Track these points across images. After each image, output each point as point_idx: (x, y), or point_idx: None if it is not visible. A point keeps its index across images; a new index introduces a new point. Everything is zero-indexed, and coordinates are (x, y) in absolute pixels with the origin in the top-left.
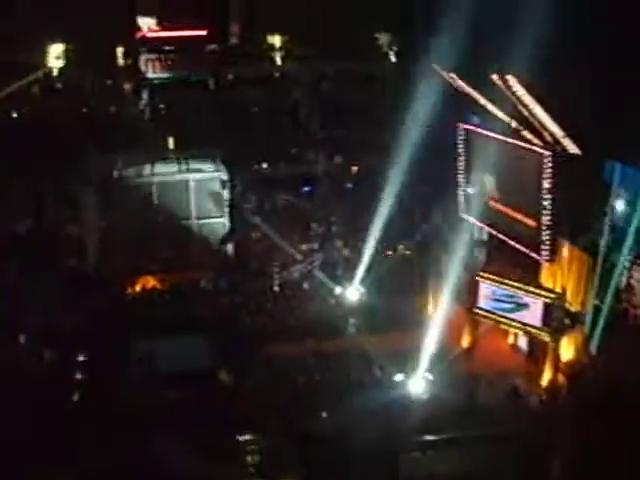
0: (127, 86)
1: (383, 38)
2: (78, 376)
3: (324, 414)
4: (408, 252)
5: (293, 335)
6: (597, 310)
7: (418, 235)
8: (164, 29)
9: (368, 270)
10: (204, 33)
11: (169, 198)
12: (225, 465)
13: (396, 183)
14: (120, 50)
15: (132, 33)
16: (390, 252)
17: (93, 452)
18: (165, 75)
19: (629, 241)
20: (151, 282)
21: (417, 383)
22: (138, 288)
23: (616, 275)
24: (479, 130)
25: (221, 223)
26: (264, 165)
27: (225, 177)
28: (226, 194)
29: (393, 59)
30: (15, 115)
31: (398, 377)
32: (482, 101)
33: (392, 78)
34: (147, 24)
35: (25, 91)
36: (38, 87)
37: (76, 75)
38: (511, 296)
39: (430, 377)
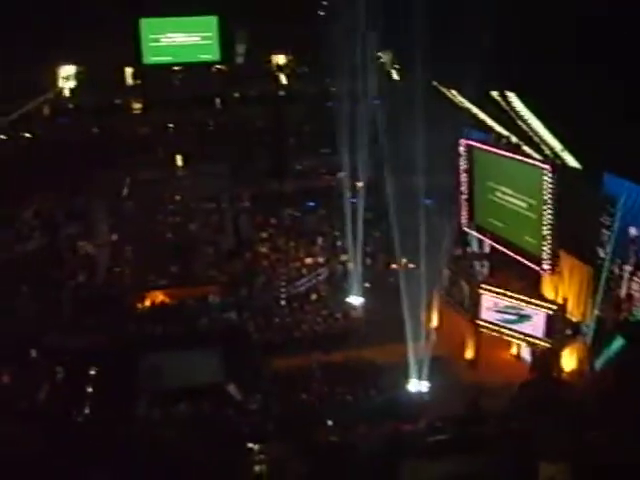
0: (136, 105)
1: (385, 57)
2: (89, 390)
3: (329, 423)
4: (412, 265)
5: (300, 348)
6: (599, 321)
7: (422, 249)
8: None
9: (373, 283)
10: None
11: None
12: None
13: (400, 197)
14: (129, 70)
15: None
16: (395, 265)
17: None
18: (173, 95)
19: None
20: (160, 297)
21: (420, 392)
22: (147, 303)
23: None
24: (480, 145)
25: (229, 239)
26: (270, 181)
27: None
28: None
29: (395, 77)
30: (28, 135)
31: (402, 386)
32: (482, 116)
33: (393, 95)
34: None
35: (37, 112)
36: (49, 108)
37: (87, 96)
38: (513, 308)
39: (430, 387)
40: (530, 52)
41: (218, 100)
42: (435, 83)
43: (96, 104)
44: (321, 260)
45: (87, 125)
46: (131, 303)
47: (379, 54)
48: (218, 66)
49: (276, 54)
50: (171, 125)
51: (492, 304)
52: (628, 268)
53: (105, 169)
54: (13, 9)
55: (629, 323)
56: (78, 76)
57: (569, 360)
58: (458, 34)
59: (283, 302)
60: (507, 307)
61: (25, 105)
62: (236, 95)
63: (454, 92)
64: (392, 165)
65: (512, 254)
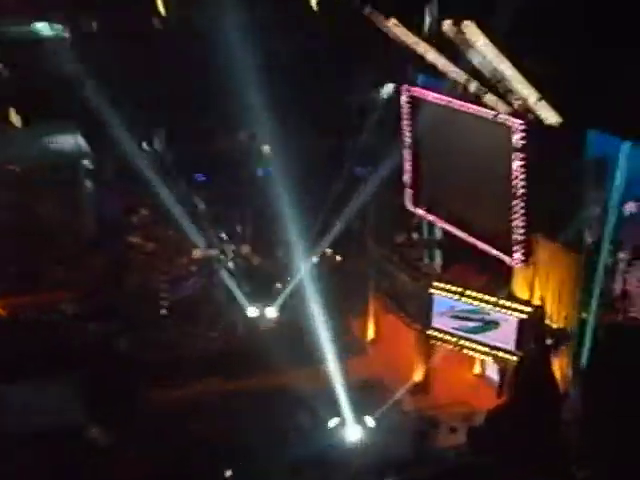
0: None
1: None
2: None
3: (228, 474)
4: (339, 258)
5: (191, 373)
6: (583, 324)
7: (352, 236)
8: None
9: (288, 283)
10: None
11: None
12: None
13: (321, 166)
14: None
15: None
16: (316, 258)
17: None
18: None
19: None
20: None
21: (355, 429)
22: None
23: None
24: (428, 94)
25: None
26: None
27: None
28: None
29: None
30: None
31: (332, 422)
32: (430, 55)
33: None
34: None
35: None
36: None
37: None
38: (475, 311)
39: (372, 421)
40: None
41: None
42: (366, 9)
43: None
44: (214, 253)
45: None
46: None
47: None
48: None
49: None
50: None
51: (447, 307)
52: (624, 256)
53: None
54: None
55: (625, 329)
56: None
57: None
58: None
59: (164, 311)
60: (467, 311)
61: None
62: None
63: (392, 21)
64: (308, 123)
65: (472, 240)
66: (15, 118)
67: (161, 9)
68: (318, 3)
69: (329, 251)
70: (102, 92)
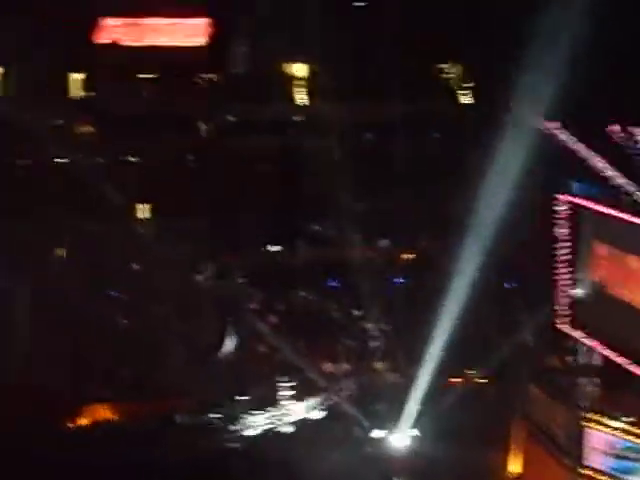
0: (83, 129)
1: (452, 70)
2: None
3: None
4: (482, 380)
5: None
6: None
7: (497, 356)
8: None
9: (423, 405)
10: (202, 42)
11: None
12: None
13: (465, 277)
14: (76, 77)
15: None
16: (456, 380)
17: None
18: (137, 114)
19: None
20: (102, 413)
21: None
22: (84, 422)
23: None
24: (590, 204)
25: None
26: (275, 247)
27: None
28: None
29: (465, 99)
30: None
31: None
32: (597, 163)
33: (463, 126)
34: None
35: None
36: None
37: (12, 111)
38: (636, 450)
39: None
40: None
41: (203, 126)
42: (523, 111)
43: (26, 124)
44: (346, 367)
45: (10, 154)
46: (59, 421)
47: (443, 66)
48: (206, 75)
49: (290, 62)
50: (132, 159)
51: (605, 443)
52: None
53: (31, 219)
54: None
55: None
56: (4, 82)
57: None
58: (558, 37)
59: (288, 428)
60: (629, 449)
61: None
62: (230, 119)
63: (553, 125)
64: (456, 229)
65: (636, 369)
66: (142, 212)
67: None
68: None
69: (471, 372)
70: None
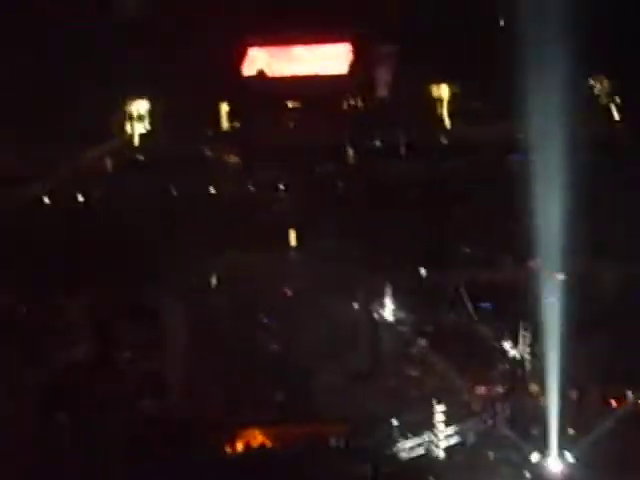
0: (233, 159)
1: (599, 85)
2: None
3: None
4: None
5: None
6: None
7: None
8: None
9: (582, 430)
10: (345, 68)
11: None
12: None
13: (624, 297)
14: (225, 108)
15: (240, 78)
16: (616, 401)
17: None
18: (285, 143)
19: None
20: (259, 438)
21: None
22: (240, 446)
23: None
24: None
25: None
26: (424, 270)
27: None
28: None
29: (615, 116)
30: (81, 199)
31: None
32: None
33: (612, 146)
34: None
35: (96, 166)
36: (112, 160)
37: (164, 144)
38: None
39: None
40: None
41: (351, 151)
42: None
43: (177, 155)
44: (501, 390)
45: (163, 186)
46: (216, 445)
47: (591, 82)
48: (351, 102)
49: (436, 84)
50: (282, 186)
51: None
52: None
53: (184, 249)
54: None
55: None
56: (152, 116)
57: None
58: None
59: (443, 452)
60: None
61: (81, 156)
62: (377, 144)
63: None
64: (611, 250)
65: None
66: (293, 238)
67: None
68: None
69: (631, 394)
70: None
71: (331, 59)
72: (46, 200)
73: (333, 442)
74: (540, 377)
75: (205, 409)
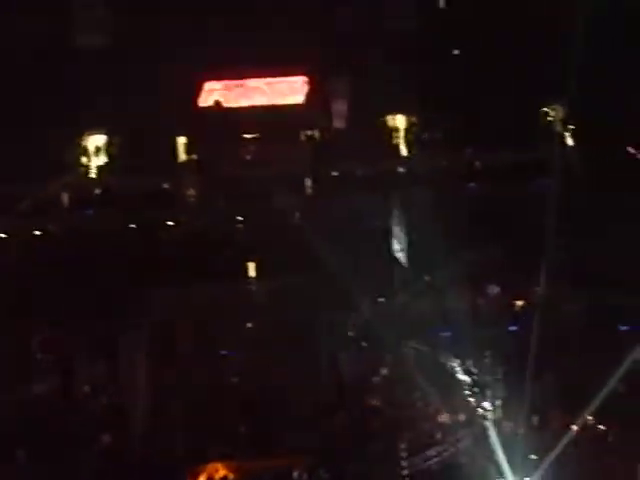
0: (191, 192)
1: (554, 113)
2: None
3: None
4: (603, 428)
5: None
6: None
7: (619, 401)
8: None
9: (541, 454)
10: (301, 99)
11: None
12: None
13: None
14: (182, 141)
15: (196, 110)
16: (576, 426)
17: None
18: (243, 175)
19: None
20: (221, 472)
21: None
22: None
23: None
24: None
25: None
26: (380, 299)
27: None
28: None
29: (570, 142)
30: (37, 233)
31: None
32: None
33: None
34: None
35: (52, 200)
36: (69, 194)
37: (121, 177)
38: None
39: None
40: None
41: (308, 182)
42: None
43: (134, 189)
44: (462, 418)
45: (121, 219)
46: (179, 478)
47: (546, 110)
48: (308, 132)
49: (392, 114)
50: (240, 218)
51: None
52: None
53: (146, 283)
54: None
55: None
56: (109, 149)
57: None
58: None
59: None
60: None
61: (37, 190)
62: (334, 174)
63: None
64: (573, 275)
65: None
66: (252, 271)
67: None
68: None
69: (590, 418)
70: None
71: (287, 92)
72: (2, 235)
73: (296, 475)
74: (502, 404)
75: (167, 443)
